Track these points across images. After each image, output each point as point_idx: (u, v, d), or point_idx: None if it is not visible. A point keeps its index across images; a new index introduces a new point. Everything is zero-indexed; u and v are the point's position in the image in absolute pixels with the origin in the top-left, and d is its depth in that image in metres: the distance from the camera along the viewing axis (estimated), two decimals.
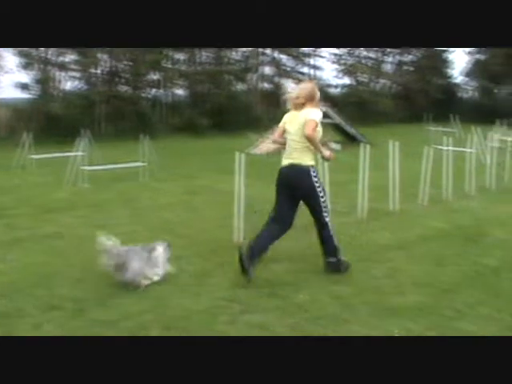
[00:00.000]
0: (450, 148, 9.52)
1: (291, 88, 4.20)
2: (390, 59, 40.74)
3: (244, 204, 6.23)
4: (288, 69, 36.19)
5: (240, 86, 31.16)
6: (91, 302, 4.36)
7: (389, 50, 38.76)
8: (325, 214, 4.95)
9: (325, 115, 19.74)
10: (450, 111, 30.28)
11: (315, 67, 37.18)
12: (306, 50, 35.68)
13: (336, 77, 39.56)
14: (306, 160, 4.88)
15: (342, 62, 39.54)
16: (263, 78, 35.29)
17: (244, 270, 4.72)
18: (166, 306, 4.30)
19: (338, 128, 20.88)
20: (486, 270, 5.24)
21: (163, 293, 4.56)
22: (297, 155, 4.89)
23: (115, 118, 24.19)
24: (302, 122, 4.82)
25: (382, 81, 40.15)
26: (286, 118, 5.08)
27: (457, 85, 44.27)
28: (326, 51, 36.99)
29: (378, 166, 11.61)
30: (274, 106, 29.97)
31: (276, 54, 35.76)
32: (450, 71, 42.94)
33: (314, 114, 4.81)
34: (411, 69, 40.89)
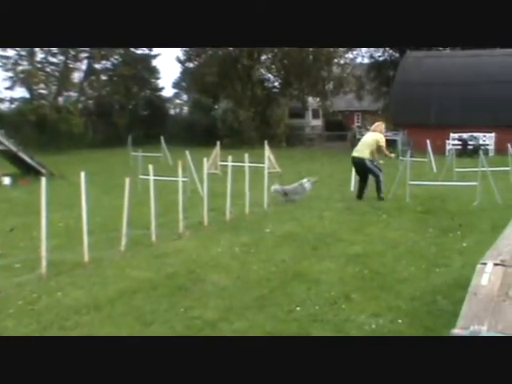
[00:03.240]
0: (156, 178, 10.19)
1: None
2: (79, 65, 41.44)
3: None
4: None
5: None
6: None
7: (75, 53, 39.19)
8: (377, 173, 13.74)
9: None
10: (158, 131, 32.21)
11: None
12: None
13: (6, 88, 38.66)
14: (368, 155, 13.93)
15: (14, 67, 38.70)
16: None
17: (359, 197, 13.88)
18: None
19: (9, 156, 20.40)
20: (201, 323, 5.77)
21: None
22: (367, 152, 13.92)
23: None
24: (375, 139, 13.94)
25: (69, 93, 40.66)
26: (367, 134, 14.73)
27: (165, 98, 47.35)
28: None
29: (67, 203, 11.78)
30: None
31: None
32: (156, 81, 45.68)
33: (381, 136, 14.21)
34: (106, 78, 42.23)
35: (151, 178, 9.56)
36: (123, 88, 40.54)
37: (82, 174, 7.92)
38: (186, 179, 12.23)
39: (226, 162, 11.82)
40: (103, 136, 37.45)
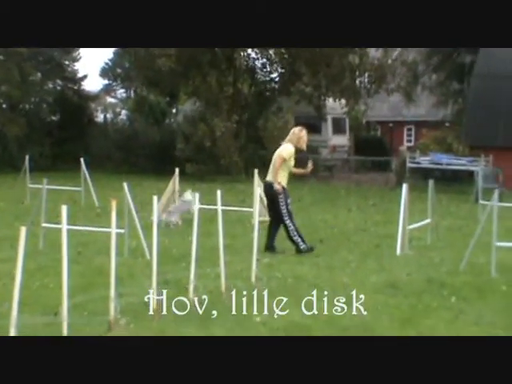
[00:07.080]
0: (73, 227, 10.10)
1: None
2: None
3: None
4: None
5: None
6: None
7: None
8: (284, 218, 15.21)
9: None
10: (75, 149, 32.18)
11: None
12: None
13: None
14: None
15: None
16: None
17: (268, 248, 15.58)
18: None
19: None
20: None
21: None
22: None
23: None
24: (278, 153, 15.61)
25: None
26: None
27: (89, 95, 47.42)
28: None
29: None
30: None
31: None
32: (73, 66, 45.82)
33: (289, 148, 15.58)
34: None
35: (64, 227, 9.36)
36: (17, 74, 39.89)
37: None
38: (122, 230, 12.15)
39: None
40: None
